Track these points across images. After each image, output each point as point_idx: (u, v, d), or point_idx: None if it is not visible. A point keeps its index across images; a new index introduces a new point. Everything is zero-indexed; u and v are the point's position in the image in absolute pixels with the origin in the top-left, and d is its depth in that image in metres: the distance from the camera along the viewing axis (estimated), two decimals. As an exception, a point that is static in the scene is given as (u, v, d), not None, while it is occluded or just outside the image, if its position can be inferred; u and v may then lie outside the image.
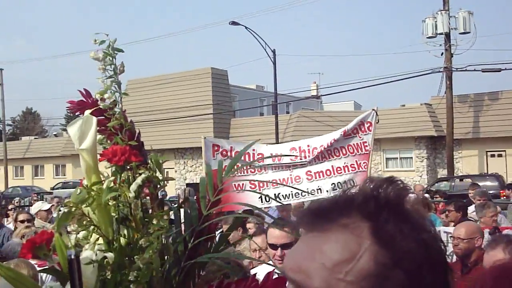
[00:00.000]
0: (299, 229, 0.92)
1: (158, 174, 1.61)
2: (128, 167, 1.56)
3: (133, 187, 1.50)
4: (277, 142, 29.26)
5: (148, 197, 1.56)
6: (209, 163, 6.79)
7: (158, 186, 1.59)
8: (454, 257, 5.07)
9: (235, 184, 6.85)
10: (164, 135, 34.89)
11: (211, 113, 34.24)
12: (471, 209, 8.69)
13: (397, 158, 32.97)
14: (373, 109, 7.60)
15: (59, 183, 38.58)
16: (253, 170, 7.16)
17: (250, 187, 6.90)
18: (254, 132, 32.90)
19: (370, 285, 0.82)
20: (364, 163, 7.41)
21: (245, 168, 6.93)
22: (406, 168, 31.77)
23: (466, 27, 28.23)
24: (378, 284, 0.82)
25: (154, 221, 1.44)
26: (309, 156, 7.29)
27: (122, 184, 1.51)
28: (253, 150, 7.00)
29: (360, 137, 7.54)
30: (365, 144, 7.51)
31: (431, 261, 0.84)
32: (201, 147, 7.25)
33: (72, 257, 1.12)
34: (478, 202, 8.37)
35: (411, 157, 32.35)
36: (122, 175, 1.53)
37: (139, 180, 1.51)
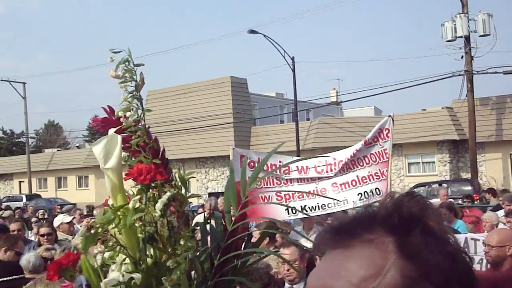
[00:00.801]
0: (322, 247, 0.91)
1: (183, 191, 1.60)
2: (154, 185, 1.56)
3: (159, 205, 1.49)
4: (298, 149, 29.22)
5: (174, 215, 1.55)
6: (237, 173, 6.81)
7: (184, 203, 1.58)
8: (484, 264, 4.97)
9: (261, 196, 6.88)
10: (185, 145, 35.05)
11: (231, 122, 34.30)
12: (500, 213, 8.56)
13: (420, 162, 32.61)
14: (389, 116, 7.70)
15: (4, 197, 39.55)
16: (279, 183, 7.17)
17: (277, 199, 6.90)
18: (275, 140, 32.85)
19: None
20: (386, 170, 7.45)
21: (271, 180, 6.97)
22: (429, 172, 31.42)
23: (485, 29, 27.88)
24: None
25: (182, 242, 1.43)
26: (335, 169, 7.34)
27: (148, 202, 1.51)
28: (280, 161, 7.03)
29: (381, 145, 7.60)
30: (386, 151, 7.58)
31: (458, 273, 0.83)
32: (223, 156, 7.33)
33: (84, 286, 1.12)
34: (508, 208, 8.24)
35: (434, 162, 31.98)
36: (148, 193, 1.53)
37: (164, 198, 1.50)
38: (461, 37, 27.46)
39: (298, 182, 7.32)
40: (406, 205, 0.88)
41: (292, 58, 29.83)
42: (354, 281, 0.81)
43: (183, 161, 35.77)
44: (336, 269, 0.84)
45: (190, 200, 1.66)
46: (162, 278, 1.35)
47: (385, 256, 0.83)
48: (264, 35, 28.93)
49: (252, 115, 37.23)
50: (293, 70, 29.84)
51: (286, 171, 7.11)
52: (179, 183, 1.57)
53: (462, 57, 27.36)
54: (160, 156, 1.61)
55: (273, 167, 6.78)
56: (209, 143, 33.85)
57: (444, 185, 23.64)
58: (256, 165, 7.01)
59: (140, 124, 1.65)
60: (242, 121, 34.93)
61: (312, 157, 9.49)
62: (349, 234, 0.87)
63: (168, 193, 1.52)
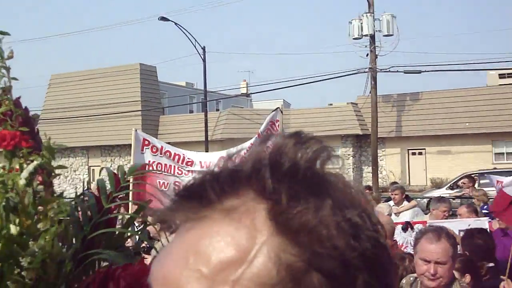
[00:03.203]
0: (171, 219, 0.62)
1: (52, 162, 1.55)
2: (21, 155, 1.51)
3: (24, 174, 1.43)
4: (207, 140, 29.18)
5: (42, 185, 1.50)
6: (137, 156, 6.78)
7: (53, 174, 1.52)
8: None
9: (160, 182, 6.84)
10: (91, 132, 33.99)
11: (139, 110, 33.65)
12: (392, 203, 9.05)
13: (324, 156, 33.63)
14: (278, 108, 7.96)
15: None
16: (180, 173, 7.14)
17: (175, 188, 6.92)
18: (184, 130, 32.69)
19: None
20: None
21: (173, 169, 6.95)
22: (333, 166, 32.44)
23: (389, 29, 29.21)
24: None
25: (55, 205, 1.39)
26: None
27: (14, 171, 1.45)
28: (183, 154, 7.02)
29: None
30: None
31: (363, 254, 0.56)
32: (129, 144, 7.18)
33: None
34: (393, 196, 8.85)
35: (338, 155, 33.06)
36: (13, 162, 1.47)
37: (30, 167, 1.44)
38: (366, 35, 28.57)
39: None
40: (290, 152, 0.59)
41: (203, 48, 29.68)
42: (205, 271, 0.55)
43: (88, 148, 34.68)
44: (183, 253, 0.57)
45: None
46: (30, 242, 1.31)
47: (252, 233, 0.56)
48: (175, 23, 28.55)
49: (161, 103, 36.75)
50: (204, 60, 29.70)
51: (190, 163, 7.09)
52: (48, 153, 1.51)
53: (367, 55, 28.45)
54: (28, 125, 1.56)
55: (176, 157, 6.80)
56: (116, 131, 33.00)
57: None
58: (159, 152, 6.97)
59: (8, 93, 1.61)
60: (150, 110, 34.39)
61: (217, 152, 9.55)
62: (201, 200, 0.58)
63: (35, 162, 1.45)
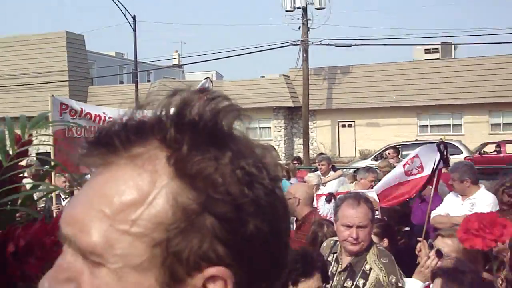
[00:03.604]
0: (84, 163, 0.67)
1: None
2: None
3: None
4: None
5: None
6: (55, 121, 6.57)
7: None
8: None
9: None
10: (14, 102, 32.49)
11: (66, 80, 32.44)
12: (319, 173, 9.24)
13: (257, 127, 33.88)
14: (207, 77, 7.92)
15: None
16: None
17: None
18: (114, 101, 31.82)
19: (166, 236, 0.61)
20: None
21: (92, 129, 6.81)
22: (265, 137, 32.77)
23: (321, 2, 29.50)
24: (178, 234, 0.61)
25: None
26: None
27: None
28: (104, 113, 6.85)
29: None
30: None
31: (256, 202, 0.63)
32: (54, 115, 6.92)
33: None
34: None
35: (270, 127, 33.43)
36: None
37: None
38: (299, 8, 28.71)
39: None
40: (195, 106, 0.65)
41: (133, 17, 28.88)
42: (107, 211, 0.61)
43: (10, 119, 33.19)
44: (90, 196, 0.63)
45: None
46: None
47: (153, 178, 0.62)
48: (104, -10, 27.54)
49: (89, 74, 35.58)
50: (134, 30, 28.93)
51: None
52: None
53: (299, 27, 28.63)
54: None
55: (98, 118, 6.64)
56: (41, 101, 31.71)
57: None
58: (78, 114, 6.77)
59: None
60: (78, 80, 33.24)
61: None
62: (108, 148, 0.64)
63: None
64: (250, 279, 0.64)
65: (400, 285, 3.10)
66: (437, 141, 4.37)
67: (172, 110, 0.65)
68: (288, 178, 10.31)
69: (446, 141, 18.28)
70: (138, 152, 0.63)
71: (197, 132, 0.63)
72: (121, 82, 38.30)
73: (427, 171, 4.26)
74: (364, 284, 3.11)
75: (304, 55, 28.25)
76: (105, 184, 0.63)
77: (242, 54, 31.09)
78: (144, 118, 0.66)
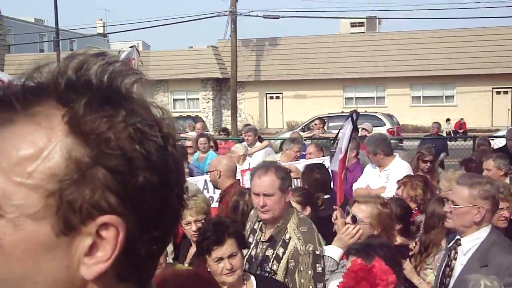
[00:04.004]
0: None
1: None
2: None
3: None
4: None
5: None
6: None
7: None
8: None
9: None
10: None
11: (-19, 47, 30.66)
12: (245, 144, 9.23)
13: (185, 99, 33.50)
14: (134, 46, 7.76)
15: None
16: None
17: None
18: (33, 70, 30.41)
19: (59, 187, 0.66)
20: None
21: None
22: (193, 109, 32.49)
23: (250, -28, 29.19)
24: (71, 185, 0.66)
25: None
26: None
27: None
28: (7, 78, 6.60)
29: None
30: None
31: (147, 156, 0.69)
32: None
33: None
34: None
35: (198, 98, 33.14)
36: None
37: None
38: (227, -22, 28.31)
39: None
40: (92, 68, 0.70)
41: (54, -19, 27.51)
42: (5, 165, 0.66)
43: None
44: None
45: None
46: None
47: (49, 135, 0.67)
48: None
49: (6, 41, 33.74)
50: (55, -5, 27.59)
51: None
52: None
53: (227, -3, 28.30)
54: None
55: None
56: (-46, 70, 29.86)
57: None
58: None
59: None
60: (-6, 47, 31.48)
61: None
62: (7, 107, 0.68)
63: None
64: (142, 227, 0.70)
65: (317, 253, 3.17)
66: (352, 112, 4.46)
67: (67, 71, 0.70)
68: (216, 149, 10.28)
69: (370, 113, 18.69)
70: (36, 111, 0.68)
71: (92, 92, 0.68)
72: (42, 51, 36.61)
73: (345, 143, 4.36)
74: (284, 253, 3.18)
75: (233, 26, 28.02)
76: (3, 140, 0.68)
77: (169, 24, 30.56)
78: (42, 79, 0.70)
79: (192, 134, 11.93)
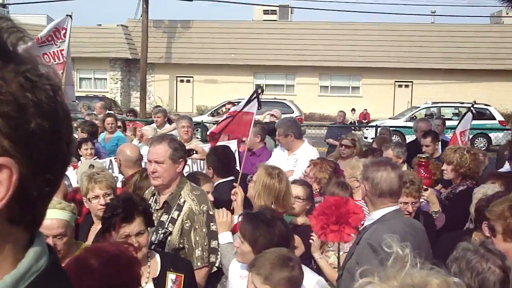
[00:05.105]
0: None
1: None
2: None
3: None
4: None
5: None
6: None
7: None
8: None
9: None
10: None
11: None
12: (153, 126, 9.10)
13: (92, 78, 32.36)
14: (68, 15, 7.40)
15: None
16: None
17: None
18: None
19: None
20: (62, 72, 7.14)
21: None
22: (101, 89, 31.48)
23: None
24: None
25: None
26: None
27: None
28: None
29: (57, 45, 7.27)
30: (62, 52, 7.29)
31: (38, 104, 0.74)
32: None
33: None
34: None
35: (106, 78, 32.13)
36: None
37: None
38: (139, -45, 27.53)
39: None
40: None
41: None
42: None
43: None
44: None
45: None
46: None
47: None
48: None
49: None
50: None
51: None
52: None
53: (139, -24, 27.55)
54: None
55: None
56: None
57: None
58: None
59: None
60: None
61: None
62: None
63: None
64: (35, 169, 0.75)
65: (210, 213, 3.42)
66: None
67: None
68: (124, 130, 10.04)
69: (279, 100, 18.98)
70: None
71: None
72: None
73: (251, 110, 4.46)
74: (178, 216, 3.35)
75: (144, 6, 27.34)
76: None
77: (77, -1, 29.13)
78: None
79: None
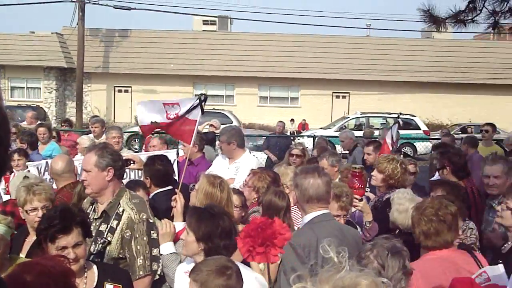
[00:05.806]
0: None
1: None
2: None
3: None
4: None
5: None
6: None
7: None
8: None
9: None
10: None
11: None
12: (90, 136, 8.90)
13: (24, 87, 31.29)
14: None
15: None
16: None
17: None
18: None
19: None
20: None
21: None
22: (34, 98, 30.50)
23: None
24: None
25: None
26: None
27: None
28: None
29: None
30: None
31: None
32: None
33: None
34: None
35: (40, 88, 31.16)
36: None
37: None
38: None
39: None
40: None
41: None
42: None
43: None
44: None
45: None
46: None
47: None
48: None
49: None
50: None
51: None
52: None
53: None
54: None
55: None
56: None
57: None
58: None
59: None
60: None
61: None
62: None
63: None
64: None
65: (150, 221, 3.40)
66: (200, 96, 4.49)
67: None
68: (58, 141, 9.75)
69: (218, 111, 18.95)
70: None
71: None
72: None
73: (194, 118, 4.43)
74: (117, 225, 3.32)
75: (80, 13, 26.76)
76: None
77: (8, 5, 28.18)
78: None
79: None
